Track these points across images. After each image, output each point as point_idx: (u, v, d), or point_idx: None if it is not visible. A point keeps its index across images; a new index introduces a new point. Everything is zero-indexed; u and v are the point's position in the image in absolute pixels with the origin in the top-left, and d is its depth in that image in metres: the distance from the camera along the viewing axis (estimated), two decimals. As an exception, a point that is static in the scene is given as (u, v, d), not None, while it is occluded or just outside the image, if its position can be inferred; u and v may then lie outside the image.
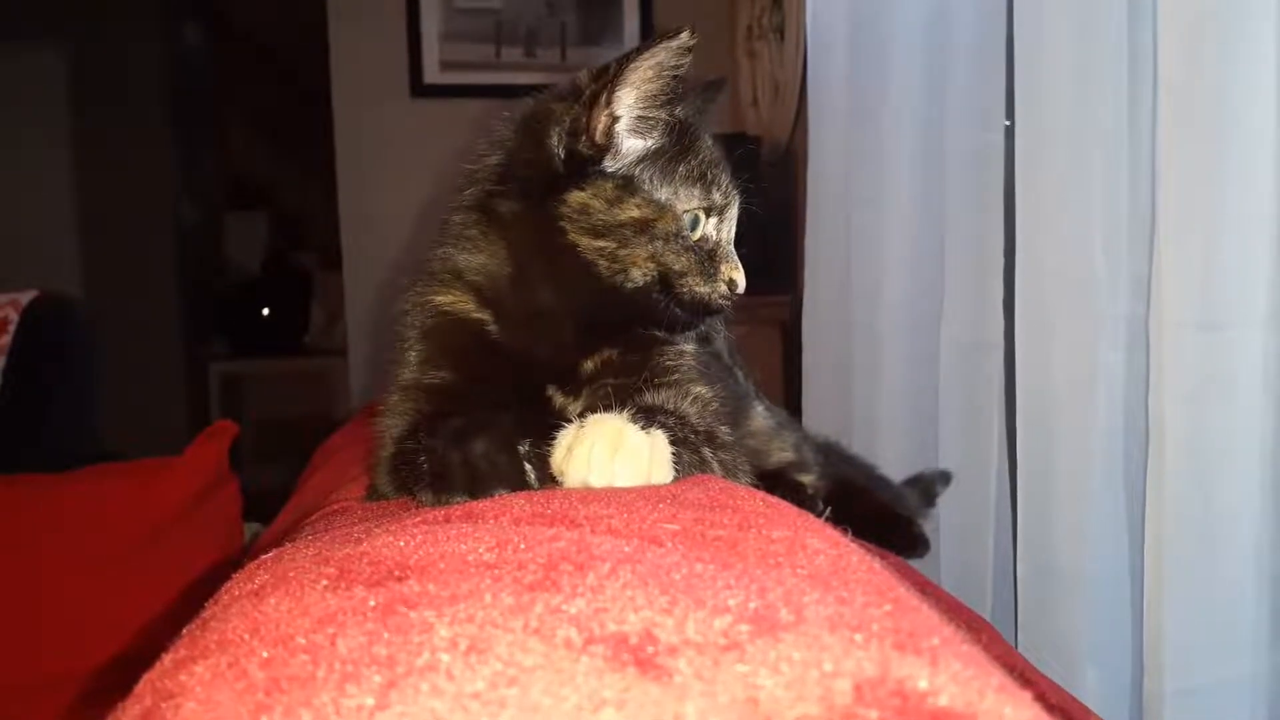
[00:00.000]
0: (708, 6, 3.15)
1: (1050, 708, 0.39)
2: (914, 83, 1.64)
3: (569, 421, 0.70)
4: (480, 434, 0.69)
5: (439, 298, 0.85)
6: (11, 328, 2.01)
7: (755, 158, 2.54)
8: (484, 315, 0.84)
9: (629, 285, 0.79)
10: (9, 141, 3.98)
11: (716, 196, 0.83)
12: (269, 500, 1.60)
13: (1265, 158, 1.02)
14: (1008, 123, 1.40)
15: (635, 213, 0.79)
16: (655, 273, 0.79)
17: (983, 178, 1.46)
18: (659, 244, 0.79)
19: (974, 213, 1.48)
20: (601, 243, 0.78)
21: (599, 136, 0.79)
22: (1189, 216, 1.07)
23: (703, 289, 0.81)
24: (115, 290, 3.96)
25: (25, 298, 2.05)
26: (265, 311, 4.99)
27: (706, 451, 0.76)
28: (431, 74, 3.04)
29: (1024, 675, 0.45)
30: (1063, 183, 1.26)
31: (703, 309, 0.82)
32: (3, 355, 1.99)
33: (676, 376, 0.84)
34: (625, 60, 0.78)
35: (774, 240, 2.39)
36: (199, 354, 4.72)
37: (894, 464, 1.62)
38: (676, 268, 0.80)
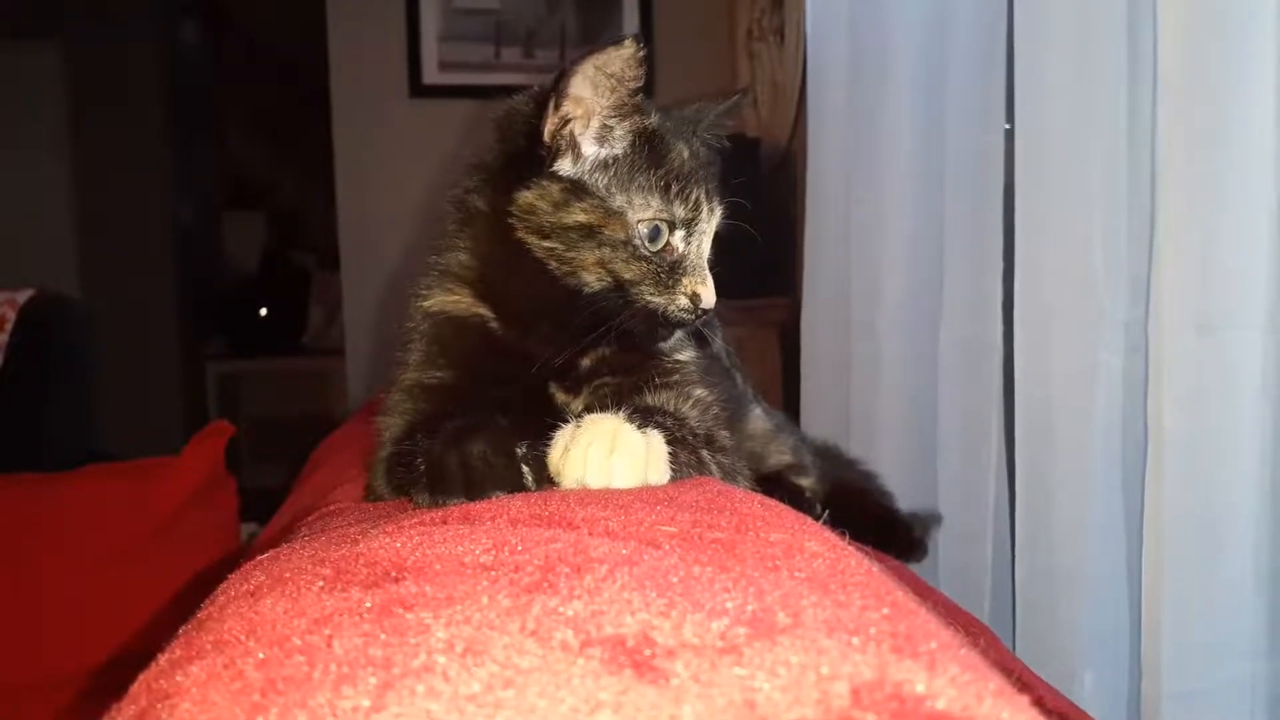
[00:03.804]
0: (708, 7, 3.15)
1: (1048, 712, 0.39)
2: (914, 83, 1.63)
3: (570, 419, 0.70)
4: (477, 436, 0.69)
5: (437, 296, 0.86)
6: (9, 326, 2.01)
7: (755, 159, 2.53)
8: (484, 310, 0.84)
9: (586, 289, 0.79)
10: (8, 140, 3.98)
11: (679, 209, 0.82)
12: (266, 500, 1.60)
13: (1265, 159, 1.02)
14: (1008, 125, 1.40)
15: (581, 217, 0.79)
16: (609, 279, 0.79)
17: (982, 179, 1.46)
18: (607, 250, 0.79)
19: (973, 213, 1.48)
20: (549, 243, 0.79)
21: (547, 138, 0.80)
22: (1188, 218, 1.07)
23: (657, 300, 0.81)
24: (113, 289, 3.96)
25: (23, 296, 2.06)
26: (263, 311, 4.98)
27: (705, 453, 0.76)
28: (430, 74, 3.04)
29: (1022, 679, 0.44)
30: (1063, 183, 1.26)
31: (659, 320, 0.82)
32: (0, 354, 1.99)
33: (677, 378, 0.84)
34: (569, 65, 0.78)
35: (773, 241, 2.39)
36: (196, 353, 4.71)
37: (893, 465, 1.62)
38: (627, 276, 0.80)
